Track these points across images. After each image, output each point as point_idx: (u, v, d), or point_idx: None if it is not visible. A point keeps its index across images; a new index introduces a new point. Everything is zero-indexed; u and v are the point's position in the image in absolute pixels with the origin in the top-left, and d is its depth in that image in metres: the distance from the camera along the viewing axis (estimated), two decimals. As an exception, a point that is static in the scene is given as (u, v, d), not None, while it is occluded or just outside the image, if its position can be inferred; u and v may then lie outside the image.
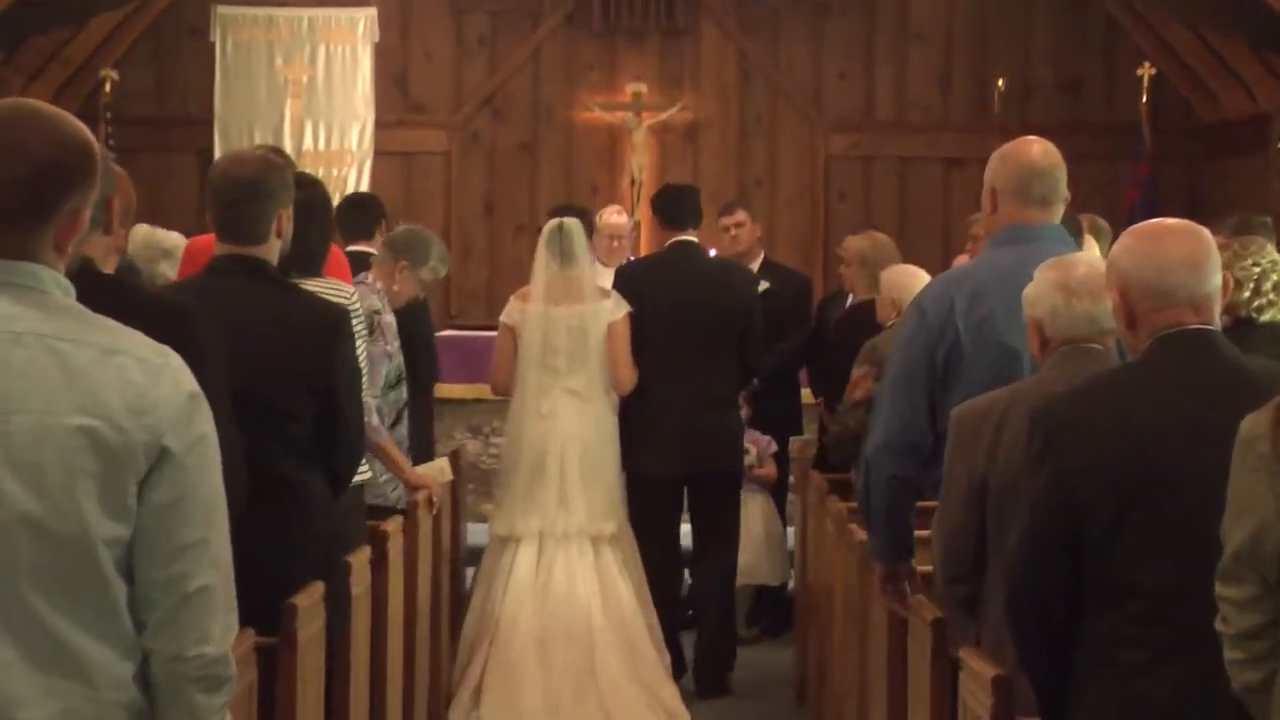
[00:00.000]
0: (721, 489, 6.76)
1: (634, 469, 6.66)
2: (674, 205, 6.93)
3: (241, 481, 3.22)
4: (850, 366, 5.85)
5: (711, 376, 6.66)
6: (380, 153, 10.70)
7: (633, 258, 8.19)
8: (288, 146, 10.35)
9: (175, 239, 5.54)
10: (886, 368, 4.24)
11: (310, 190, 4.33)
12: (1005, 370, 3.78)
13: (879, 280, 6.20)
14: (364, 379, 5.21)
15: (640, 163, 10.86)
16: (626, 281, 6.82)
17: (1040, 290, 3.40)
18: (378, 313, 5.44)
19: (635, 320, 6.57)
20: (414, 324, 6.18)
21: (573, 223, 6.56)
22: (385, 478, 5.43)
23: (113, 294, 2.79)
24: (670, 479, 6.66)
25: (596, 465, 6.43)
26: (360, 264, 6.04)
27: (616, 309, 6.51)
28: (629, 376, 6.54)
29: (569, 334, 6.47)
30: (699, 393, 6.63)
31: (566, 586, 6.32)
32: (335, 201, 5.39)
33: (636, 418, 6.64)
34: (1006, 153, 4.04)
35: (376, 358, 5.38)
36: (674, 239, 6.84)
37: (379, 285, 5.59)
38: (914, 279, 5.82)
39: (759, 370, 7.01)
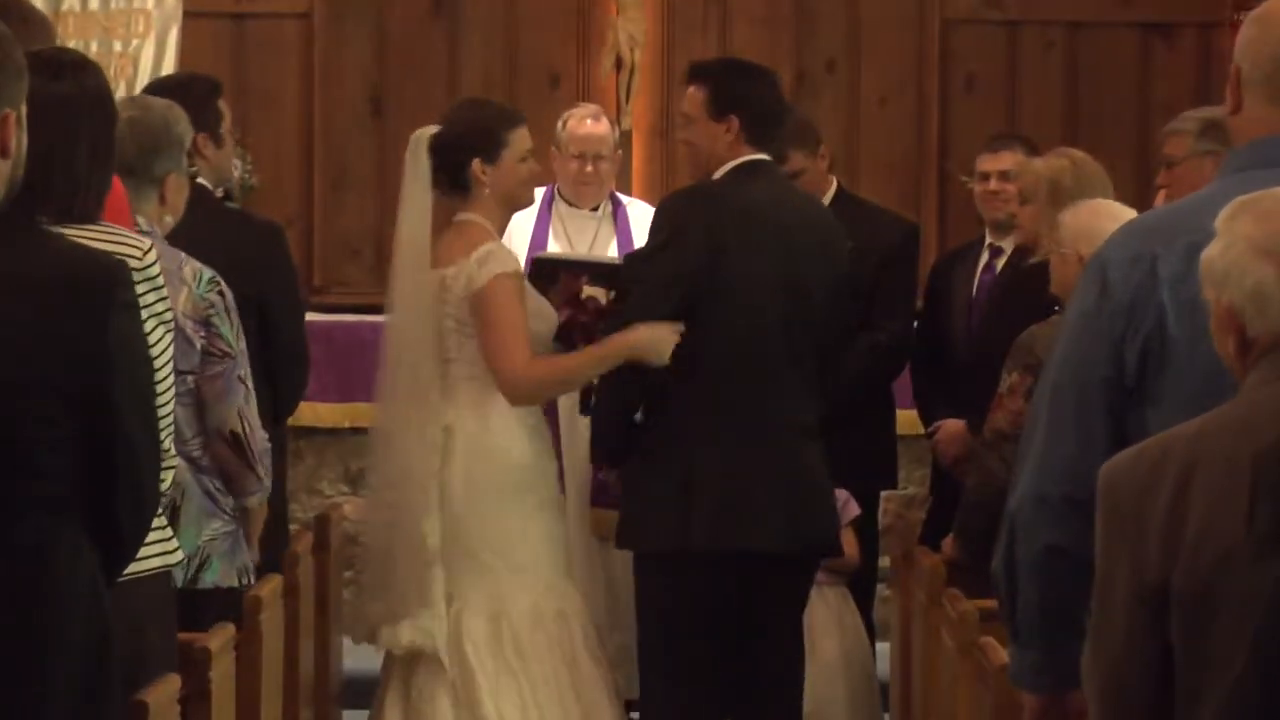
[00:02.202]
0: (795, 578, 6.77)
1: (679, 542, 6.56)
2: (767, 105, 6.79)
3: None
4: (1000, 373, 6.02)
5: (799, 394, 6.66)
6: (195, 14, 10.71)
7: (621, 196, 8.20)
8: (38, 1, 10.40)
9: None
10: (1043, 372, 4.26)
11: (75, 80, 4.28)
12: (1226, 379, 3.71)
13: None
14: (249, 387, 5.29)
15: (631, 32, 10.86)
16: (672, 215, 6.69)
17: (1230, 257, 3.35)
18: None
19: (703, 298, 6.51)
20: (275, 290, 6.20)
21: (419, 135, 6.61)
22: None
23: None
24: (754, 557, 6.55)
25: (466, 529, 6.51)
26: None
27: (480, 269, 6.48)
28: (520, 374, 6.51)
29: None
30: (785, 420, 6.63)
31: None
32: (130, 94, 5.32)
33: (680, 455, 6.58)
34: (1266, 13, 4.03)
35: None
36: (743, 159, 6.71)
37: (155, 228, 5.59)
38: (1112, 223, 5.85)
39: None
